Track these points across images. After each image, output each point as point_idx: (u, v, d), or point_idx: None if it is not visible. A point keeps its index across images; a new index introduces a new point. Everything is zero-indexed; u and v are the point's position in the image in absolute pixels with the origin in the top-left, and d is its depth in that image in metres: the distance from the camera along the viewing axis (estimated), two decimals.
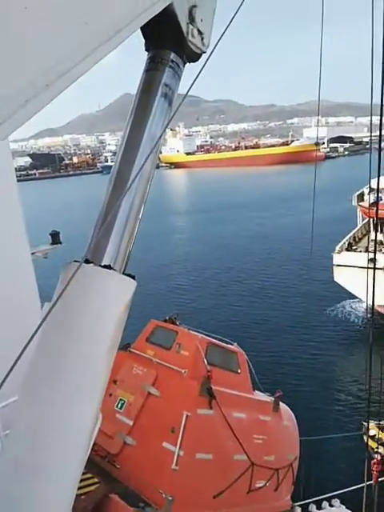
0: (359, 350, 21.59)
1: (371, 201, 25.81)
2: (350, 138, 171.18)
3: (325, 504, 9.01)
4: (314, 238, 15.50)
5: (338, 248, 27.19)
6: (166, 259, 40.37)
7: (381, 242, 26.63)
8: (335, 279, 26.69)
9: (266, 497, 7.17)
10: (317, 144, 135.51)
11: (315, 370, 19.70)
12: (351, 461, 12.03)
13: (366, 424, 8.30)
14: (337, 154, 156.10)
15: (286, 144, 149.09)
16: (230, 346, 7.74)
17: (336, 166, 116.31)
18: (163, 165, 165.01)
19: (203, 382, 6.21)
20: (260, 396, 8.00)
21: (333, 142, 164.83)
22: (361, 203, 30.12)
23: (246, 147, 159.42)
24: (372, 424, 8.30)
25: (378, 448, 8.03)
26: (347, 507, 9.36)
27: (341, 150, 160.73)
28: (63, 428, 2.11)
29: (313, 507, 8.58)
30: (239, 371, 7.48)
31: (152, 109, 2.84)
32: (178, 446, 5.65)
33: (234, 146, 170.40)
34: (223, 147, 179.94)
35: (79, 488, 5.19)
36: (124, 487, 5.73)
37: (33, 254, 9.70)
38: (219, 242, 44.73)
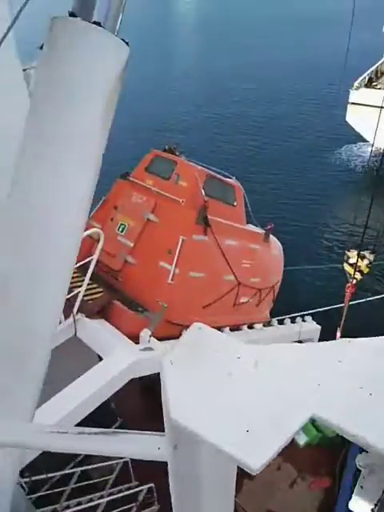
0: (357, 194, 21.69)
1: None
2: None
3: (298, 319, 10.43)
4: (341, 72, 13.52)
5: (356, 84, 23.64)
6: (164, 84, 37.23)
7: None
8: (347, 119, 23.91)
9: (249, 310, 8.30)
10: None
11: (310, 209, 20.26)
12: (330, 288, 13.43)
13: (348, 253, 8.85)
14: None
15: None
16: (228, 179, 7.90)
17: None
18: None
19: (200, 211, 6.55)
20: (252, 228, 8.55)
21: None
22: None
23: None
24: (353, 253, 8.86)
25: (354, 274, 8.78)
26: (318, 323, 10.85)
27: None
28: (60, 199, 2.00)
29: (287, 321, 9.95)
30: (235, 204, 7.81)
31: None
32: (173, 265, 6.29)
33: None
34: None
35: (86, 295, 5.97)
36: (125, 296, 6.57)
37: (25, 70, 8.89)
38: (225, 70, 40.74)
